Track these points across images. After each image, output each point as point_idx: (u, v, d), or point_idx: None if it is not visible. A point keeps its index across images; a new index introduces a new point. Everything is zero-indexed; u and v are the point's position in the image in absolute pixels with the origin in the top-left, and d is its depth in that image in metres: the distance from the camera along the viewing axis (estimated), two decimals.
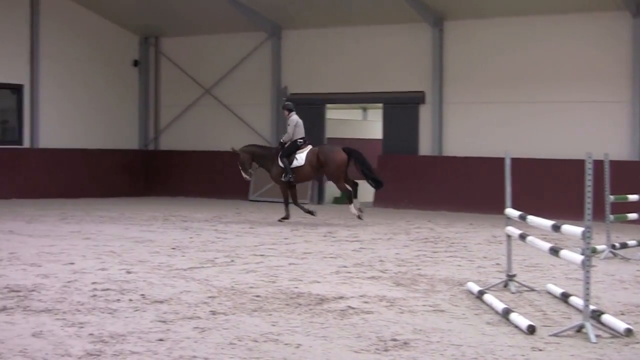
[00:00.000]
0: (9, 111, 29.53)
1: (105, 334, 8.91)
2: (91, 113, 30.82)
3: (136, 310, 10.19)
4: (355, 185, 21.61)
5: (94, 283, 12.00)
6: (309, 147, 21.70)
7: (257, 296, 11.23)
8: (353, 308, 10.56)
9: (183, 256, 15.05)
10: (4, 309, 10.13)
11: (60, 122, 29.88)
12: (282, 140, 21.95)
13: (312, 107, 29.13)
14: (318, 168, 21.71)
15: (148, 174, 31.91)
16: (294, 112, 21.79)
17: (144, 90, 32.52)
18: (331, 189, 29.41)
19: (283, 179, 21.56)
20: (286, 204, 21.89)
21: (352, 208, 21.42)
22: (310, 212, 21.82)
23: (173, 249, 16.07)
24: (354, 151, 21.51)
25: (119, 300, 10.82)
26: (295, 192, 22.21)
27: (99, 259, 14.52)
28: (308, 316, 10.08)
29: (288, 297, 11.23)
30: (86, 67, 30.68)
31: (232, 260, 14.58)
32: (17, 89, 29.07)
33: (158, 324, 9.47)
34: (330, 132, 29.55)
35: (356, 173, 21.78)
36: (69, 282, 12.07)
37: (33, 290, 11.32)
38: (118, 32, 31.64)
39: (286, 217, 21.71)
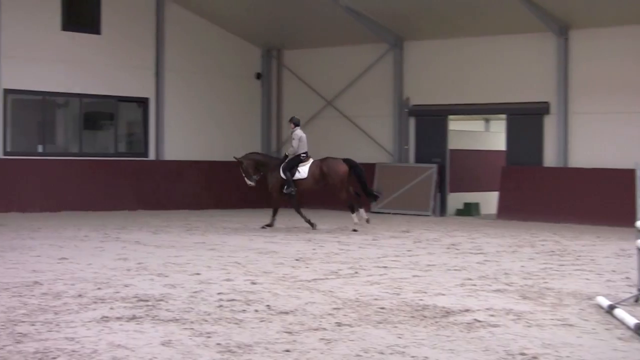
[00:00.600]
0: (135, 124, 30.19)
1: (232, 344, 9.00)
2: (214, 126, 31.28)
3: (262, 321, 10.26)
4: (358, 196, 22.78)
5: (219, 293, 12.14)
6: (311, 160, 22.54)
7: (382, 308, 11.19)
8: (479, 321, 10.43)
9: (307, 267, 15.11)
10: (134, 317, 10.33)
11: (184, 135, 30.41)
12: (287, 154, 22.71)
13: (434, 119, 29.05)
14: (320, 180, 22.53)
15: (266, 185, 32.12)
16: (299, 127, 22.72)
17: (266, 102, 32.85)
18: (454, 201, 29.24)
19: (285, 191, 22.36)
20: (274, 213, 22.87)
21: (355, 218, 22.44)
22: (311, 224, 22.61)
23: (297, 260, 16.15)
24: (355, 164, 22.61)
25: (244, 310, 10.91)
26: (297, 200, 23.05)
27: (224, 269, 14.68)
28: (434, 329, 10.00)
29: (413, 309, 11.17)
30: (209, 80, 31.17)
31: (356, 272, 14.57)
32: (143, 102, 29.69)
33: (284, 335, 9.52)
34: (452, 143, 29.31)
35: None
36: (195, 292, 12.23)
37: (161, 300, 11.52)
38: (241, 45, 32.04)
39: (270, 225, 22.66)
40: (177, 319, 10.25)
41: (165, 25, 29.92)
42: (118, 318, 10.27)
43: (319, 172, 22.39)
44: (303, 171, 22.35)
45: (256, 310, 10.90)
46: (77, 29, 28.03)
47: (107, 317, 10.32)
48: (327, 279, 13.77)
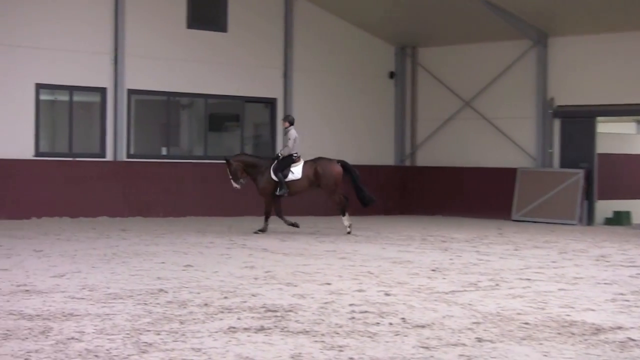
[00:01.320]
0: (262, 125, 30.49)
1: (365, 359, 8.97)
2: (344, 128, 31.38)
3: (397, 335, 10.21)
4: (346, 200, 23.19)
5: (351, 305, 12.12)
6: (302, 160, 22.87)
7: (526, 323, 11.02)
8: (634, 340, 10.18)
9: (444, 278, 14.99)
10: (262, 328, 10.40)
11: (314, 137, 30.54)
12: (280, 154, 22.91)
13: (581, 120, 28.54)
14: (314, 181, 22.91)
15: (404, 191, 32.12)
16: (293, 127, 22.89)
17: (399, 103, 32.81)
18: (602, 209, 28.67)
19: (278, 193, 22.59)
20: (267, 217, 22.91)
21: (345, 221, 23.04)
22: (294, 224, 22.95)
23: (433, 270, 16.04)
24: (349, 167, 23.25)
25: (378, 323, 10.87)
26: (280, 203, 23.13)
27: (356, 279, 14.67)
28: (583, 347, 9.79)
29: (559, 325, 10.96)
30: (339, 80, 31.29)
31: (497, 284, 14.40)
32: (270, 103, 29.98)
33: (420, 350, 9.45)
34: (600, 147, 28.72)
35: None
36: (326, 303, 12.24)
37: (290, 311, 11.56)
38: (373, 42, 32.07)
39: (263, 230, 22.74)
40: (307, 331, 10.28)
41: (295, 23, 30.15)
42: (246, 329, 10.36)
43: (313, 173, 22.83)
44: (297, 172, 22.66)
45: (390, 323, 10.86)
46: (202, 27, 28.48)
47: (234, 327, 10.41)
48: (465, 291, 13.64)
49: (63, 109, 26.88)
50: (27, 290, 12.81)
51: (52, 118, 27.47)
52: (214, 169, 28.18)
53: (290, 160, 22.65)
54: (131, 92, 27.28)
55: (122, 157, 26.95)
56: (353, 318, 11.17)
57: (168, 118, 28.49)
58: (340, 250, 19.14)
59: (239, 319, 10.94)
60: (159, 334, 9.95)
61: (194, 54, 28.24)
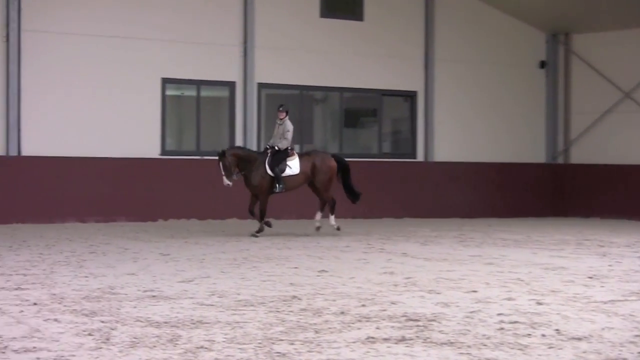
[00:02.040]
0: (402, 121, 30.47)
1: None
2: (489, 122, 31.16)
3: (550, 348, 10.09)
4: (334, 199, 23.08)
5: (499, 314, 12.02)
6: (296, 154, 22.72)
7: None
8: None
9: (602, 287, 14.74)
10: (403, 339, 10.38)
11: (457, 133, 30.45)
12: (276, 147, 22.29)
13: None
14: (311, 176, 22.68)
15: (556, 191, 31.72)
16: (288, 116, 22.50)
17: (551, 95, 32.42)
18: None
19: (277, 190, 22.38)
20: (263, 216, 22.41)
21: (333, 220, 22.94)
22: (267, 223, 22.50)
23: (590, 278, 15.79)
24: (344, 161, 23.22)
25: (529, 335, 10.75)
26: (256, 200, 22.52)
27: (505, 287, 14.54)
28: None
29: None
30: (485, 70, 31.08)
31: None
32: (410, 97, 29.93)
33: None
34: None
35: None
36: (471, 312, 12.16)
37: (433, 320, 11.52)
38: (522, 29, 31.75)
39: (260, 231, 22.34)
40: (451, 342, 10.23)
41: (435, 9, 30.07)
42: (385, 339, 10.36)
43: (311, 167, 22.59)
44: (294, 166, 22.36)
45: (543, 335, 10.74)
46: (337, 16, 28.62)
47: (373, 337, 10.42)
48: (626, 300, 13.40)
49: (190, 105, 27.32)
50: (154, 296, 13.06)
51: (179, 114, 27.95)
52: (350, 167, 28.24)
53: (285, 154, 22.33)
54: (261, 85, 27.58)
55: None
56: (502, 329, 11.08)
57: (300, 113, 28.65)
58: (487, 256, 19.00)
59: (377, 328, 10.95)
60: (292, 344, 10.03)
61: (327, 44, 28.39)
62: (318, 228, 22.78)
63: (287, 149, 22.33)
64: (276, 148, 22.24)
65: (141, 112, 25.83)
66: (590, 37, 31.73)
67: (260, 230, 22.20)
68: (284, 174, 22.23)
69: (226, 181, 21.91)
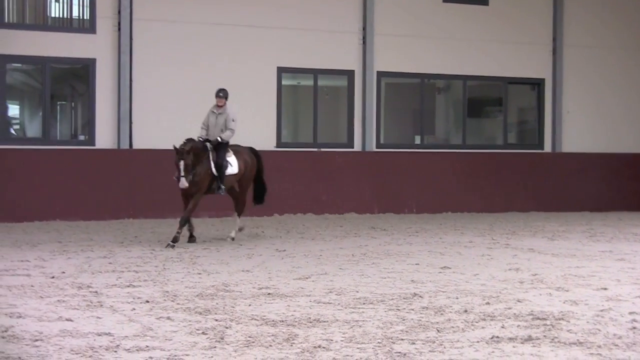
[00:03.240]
0: (528, 110, 30.22)
1: None
2: (621, 110, 30.69)
3: None
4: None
5: (632, 313, 11.89)
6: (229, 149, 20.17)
7: None
8: None
9: None
10: (529, 338, 10.33)
11: (587, 122, 30.08)
12: (219, 139, 19.67)
13: None
14: (242, 174, 20.41)
15: None
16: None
17: None
18: None
19: (221, 192, 19.82)
20: (188, 220, 19.49)
21: (240, 222, 20.58)
22: (192, 236, 19.76)
23: None
24: (259, 154, 21.18)
25: None
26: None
27: (637, 284, 14.37)
28: None
29: None
30: (617, 55, 30.63)
31: None
32: (537, 84, 29.66)
33: None
34: None
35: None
36: (601, 310, 12.05)
37: (561, 319, 11.44)
38: None
39: (175, 241, 18.84)
40: (581, 342, 10.15)
41: None
42: (511, 338, 10.32)
43: (244, 165, 20.35)
44: (234, 164, 20.07)
45: None
46: (461, 0, 28.45)
47: (498, 337, 10.38)
48: None
49: (307, 95, 27.46)
50: (269, 294, 13.18)
51: (295, 104, 28.12)
52: (474, 159, 28.16)
53: (225, 149, 19.86)
54: (381, 74, 27.58)
55: (372, 147, 27.30)
56: (634, 328, 10.97)
57: (422, 103, 28.61)
58: (618, 251, 18.77)
59: (503, 327, 10.92)
60: (413, 343, 10.04)
61: (450, 30, 28.29)
62: (241, 229, 20.53)
63: (227, 143, 19.89)
64: (219, 140, 19.66)
65: (256, 102, 26.01)
66: None
67: (175, 240, 18.78)
68: (227, 173, 19.83)
69: (185, 183, 18.73)
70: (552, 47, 29.75)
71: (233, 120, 19.72)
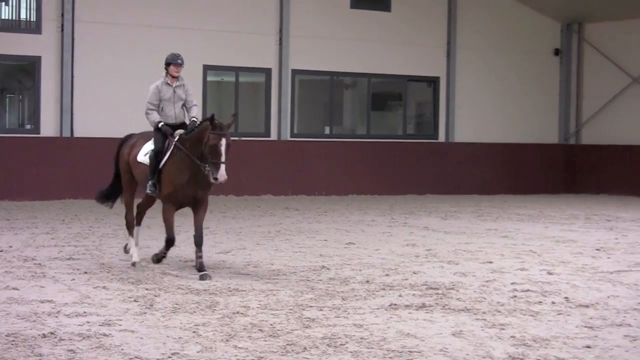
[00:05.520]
0: (425, 104, 30.42)
1: (527, 337, 8.91)
2: (507, 105, 30.98)
3: (560, 314, 10.10)
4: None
5: (513, 283, 12.05)
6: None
7: None
8: None
9: (608, 258, 14.74)
10: (423, 306, 10.43)
11: (476, 116, 30.32)
12: (197, 120, 13.05)
13: None
14: None
15: (567, 169, 31.58)
16: None
17: (564, 80, 32.20)
18: None
19: (149, 191, 12.99)
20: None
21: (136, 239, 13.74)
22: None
23: (597, 250, 15.78)
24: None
25: (540, 302, 10.78)
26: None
27: (518, 258, 14.56)
28: None
29: None
30: (502, 57, 30.90)
31: None
32: (433, 82, 29.86)
33: (584, 330, 9.33)
34: None
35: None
36: (487, 281, 12.21)
37: (451, 289, 11.56)
38: (538, 19, 31.54)
39: (164, 255, 13.03)
40: (468, 309, 10.27)
41: (458, 2, 29.91)
42: (407, 306, 10.41)
43: None
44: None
45: (553, 302, 10.76)
46: (366, 7, 28.53)
47: (395, 304, 10.47)
48: (631, 271, 13.39)
49: (229, 90, 27.38)
50: (195, 266, 13.14)
51: (219, 98, 28.00)
52: (377, 148, 28.29)
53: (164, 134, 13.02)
54: (295, 72, 27.56)
55: (287, 136, 27.30)
56: (515, 297, 11.12)
57: (331, 97, 28.66)
58: (502, 229, 19.00)
59: (400, 296, 11.01)
60: (321, 310, 10.09)
61: (357, 33, 28.33)
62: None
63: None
64: (195, 122, 12.95)
65: None
66: (601, 27, 31.48)
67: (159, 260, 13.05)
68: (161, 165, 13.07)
69: (225, 173, 12.10)
70: (447, 49, 29.94)
71: (192, 94, 13.71)
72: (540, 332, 9.16)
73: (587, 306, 10.57)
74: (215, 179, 12.10)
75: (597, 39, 31.58)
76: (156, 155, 12.85)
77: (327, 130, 28.48)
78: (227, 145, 12.17)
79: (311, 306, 10.31)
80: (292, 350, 8.30)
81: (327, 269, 13.10)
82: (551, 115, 32.05)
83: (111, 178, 14.40)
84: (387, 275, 12.60)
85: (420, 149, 29.26)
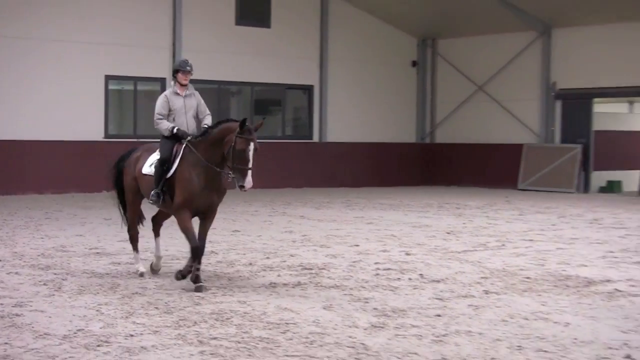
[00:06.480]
0: (301, 109, 30.54)
1: (387, 309, 9.08)
2: (372, 110, 31.28)
3: (415, 288, 10.30)
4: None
5: (376, 263, 12.23)
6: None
7: (527, 278, 11.09)
8: (620, 291, 10.23)
9: (457, 240, 15.05)
10: (299, 284, 10.53)
11: (346, 119, 30.52)
12: (208, 126, 11.17)
13: (579, 102, 28.40)
14: None
15: (424, 165, 32.07)
16: None
17: (421, 88, 32.67)
18: (597, 179, 28.54)
19: (151, 200, 10.81)
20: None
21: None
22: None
23: (448, 233, 16.10)
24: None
25: (399, 279, 10.98)
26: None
27: (381, 241, 14.76)
28: (576, 297, 9.86)
29: (556, 279, 11.02)
30: (367, 68, 31.19)
31: (503, 245, 14.44)
32: (308, 89, 29.99)
33: (435, 301, 9.55)
34: (596, 125, 28.55)
35: None
36: (354, 262, 12.35)
37: (323, 269, 11.69)
38: (398, 35, 31.94)
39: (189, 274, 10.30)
40: (337, 286, 10.40)
41: (329, 19, 30.08)
42: (285, 284, 10.49)
43: None
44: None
45: (410, 279, 10.96)
46: (249, 24, 28.48)
47: (275, 283, 10.54)
48: (475, 250, 13.71)
49: (129, 97, 27.05)
50: (98, 253, 13.03)
51: (120, 104, 27.63)
52: (260, 147, 28.17)
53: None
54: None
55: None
56: (377, 274, 11.28)
57: (219, 104, 28.54)
58: (368, 217, 19.21)
59: (279, 276, 11.09)
60: (210, 289, 10.10)
61: (241, 47, 28.25)
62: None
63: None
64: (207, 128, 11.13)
65: (88, 102, 25.45)
66: (452, 42, 32.00)
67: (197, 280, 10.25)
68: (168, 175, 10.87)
69: (251, 180, 10.42)
70: (320, 61, 30.10)
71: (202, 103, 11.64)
72: (398, 304, 9.34)
73: (438, 281, 10.80)
74: (242, 186, 10.15)
75: (448, 52, 32.12)
76: (162, 164, 10.64)
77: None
78: (255, 150, 10.35)
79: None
80: (184, 325, 8.31)
81: (216, 253, 13.11)
82: (409, 118, 32.52)
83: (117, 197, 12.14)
84: (267, 258, 12.66)
85: (297, 148, 29.37)
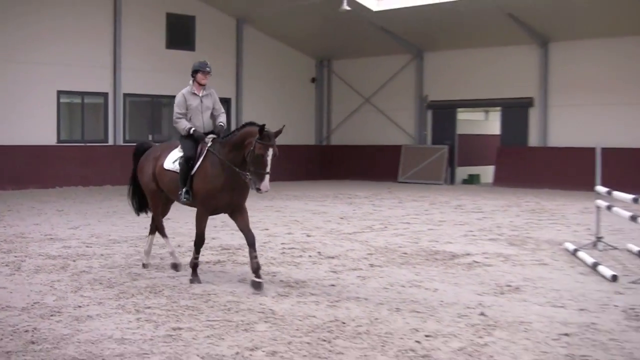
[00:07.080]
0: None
1: (291, 281, 9.13)
2: (280, 118, 30.88)
3: (314, 264, 10.37)
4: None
5: (282, 243, 12.27)
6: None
7: (405, 253, 11.26)
8: (477, 262, 10.47)
9: (348, 224, 15.18)
10: (219, 261, 10.50)
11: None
12: (221, 126, 10.02)
13: (447, 111, 28.91)
14: None
15: (322, 162, 32.21)
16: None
17: (319, 100, 32.82)
18: (461, 173, 29.09)
19: (183, 198, 9.63)
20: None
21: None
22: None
23: (341, 218, 16.22)
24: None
25: (301, 256, 11.03)
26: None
27: (286, 226, 14.80)
28: (443, 268, 10.06)
29: (428, 254, 11.22)
30: (276, 84, 31.19)
31: (385, 227, 14.62)
32: (227, 102, 29.80)
33: (330, 274, 9.63)
34: (460, 129, 29.15)
35: None
36: (264, 243, 12.37)
37: (239, 249, 11.67)
38: (300, 57, 32.02)
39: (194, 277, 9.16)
40: None
41: (244, 43, 29.96)
42: (207, 262, 10.45)
43: None
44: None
45: (310, 256, 11.03)
46: (177, 47, 28.18)
47: (199, 261, 10.44)
48: (363, 232, 13.85)
49: (77, 109, 26.50)
50: (51, 238, 12.76)
51: (70, 115, 27.03)
52: None
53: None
54: (126, 95, 26.94)
55: (120, 141, 26.69)
56: (283, 253, 11.32)
57: (152, 114, 28.25)
58: (276, 206, 19.21)
59: (202, 255, 11.00)
60: (145, 267, 9.99)
61: (171, 66, 27.92)
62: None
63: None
64: (223, 127, 10.00)
65: (42, 113, 24.85)
66: (344, 62, 32.22)
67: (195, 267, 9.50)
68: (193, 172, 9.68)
69: (268, 184, 9.20)
70: (236, 78, 29.96)
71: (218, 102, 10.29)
72: (300, 277, 9.39)
73: (333, 257, 10.89)
74: (258, 189, 8.90)
75: (341, 71, 32.32)
76: (187, 161, 9.32)
77: (150, 137, 27.95)
78: (274, 156, 9.06)
79: (137, 264, 10.21)
80: (124, 297, 8.23)
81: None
82: (310, 124, 32.63)
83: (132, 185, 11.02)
84: (192, 240, 12.52)
85: None
